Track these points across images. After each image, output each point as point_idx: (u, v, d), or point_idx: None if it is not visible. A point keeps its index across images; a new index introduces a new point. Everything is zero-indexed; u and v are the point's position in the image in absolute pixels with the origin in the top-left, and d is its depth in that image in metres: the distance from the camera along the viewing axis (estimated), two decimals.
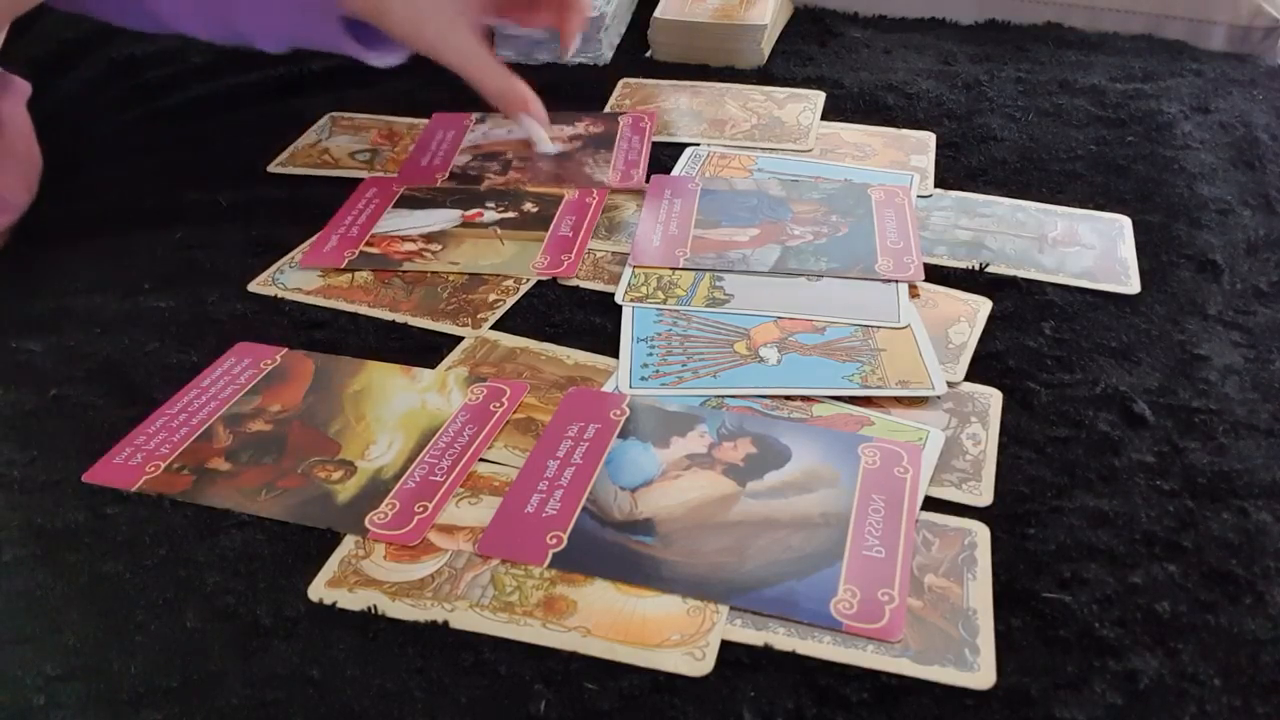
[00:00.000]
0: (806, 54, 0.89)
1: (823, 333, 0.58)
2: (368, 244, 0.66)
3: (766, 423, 0.52)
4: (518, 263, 0.64)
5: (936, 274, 0.63)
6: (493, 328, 0.59)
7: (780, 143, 0.76)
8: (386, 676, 0.41)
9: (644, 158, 0.74)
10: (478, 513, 0.48)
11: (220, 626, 0.43)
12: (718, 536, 0.46)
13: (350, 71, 0.63)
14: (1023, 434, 0.52)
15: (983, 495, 0.49)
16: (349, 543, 0.47)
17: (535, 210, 0.69)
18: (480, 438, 0.52)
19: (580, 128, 0.78)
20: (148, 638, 0.43)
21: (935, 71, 0.86)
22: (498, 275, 0.63)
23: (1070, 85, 0.83)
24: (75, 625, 0.43)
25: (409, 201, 0.70)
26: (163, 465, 0.51)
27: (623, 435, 0.51)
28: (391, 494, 0.49)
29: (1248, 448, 0.51)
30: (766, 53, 0.87)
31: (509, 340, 0.58)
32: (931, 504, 0.48)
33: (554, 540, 0.46)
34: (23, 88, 0.67)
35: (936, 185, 0.72)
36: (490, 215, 0.69)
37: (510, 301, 0.61)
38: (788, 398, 0.54)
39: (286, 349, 0.58)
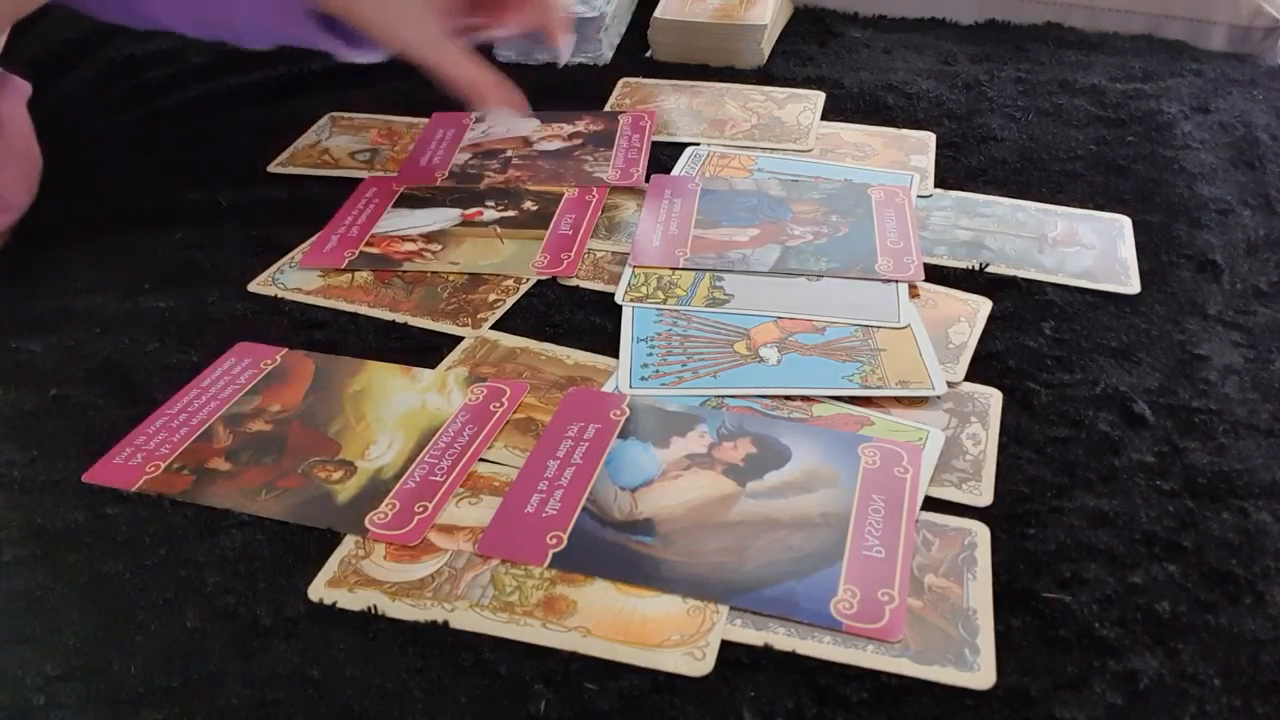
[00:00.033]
0: (806, 54, 0.89)
1: (823, 333, 0.58)
2: (368, 244, 0.66)
3: (766, 423, 0.52)
4: (517, 262, 0.64)
5: (936, 274, 0.63)
6: (493, 328, 0.59)
7: (780, 143, 0.76)
8: (386, 676, 0.41)
9: (644, 156, 0.74)
10: (478, 513, 0.48)
11: (220, 626, 0.43)
12: (718, 536, 0.46)
13: (350, 71, 0.63)
14: (1023, 434, 0.52)
15: (983, 495, 0.49)
16: (349, 543, 0.47)
17: (535, 208, 0.69)
18: (480, 438, 0.52)
19: (580, 126, 0.78)
20: (148, 638, 0.43)
21: (935, 71, 0.86)
22: (498, 275, 0.63)
23: (1070, 85, 0.83)
24: (75, 625, 0.43)
25: (409, 201, 0.70)
26: (163, 465, 0.51)
27: (623, 435, 0.51)
28: (391, 494, 0.49)
29: (1248, 448, 0.51)
30: (766, 53, 0.87)
31: (509, 340, 0.58)
32: (931, 504, 0.48)
33: (554, 540, 0.46)
34: (23, 88, 0.67)
35: (936, 185, 0.72)
36: (490, 214, 0.69)
37: (510, 301, 0.61)
38: (788, 398, 0.54)
39: (286, 349, 0.58)
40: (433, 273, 0.63)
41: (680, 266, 0.63)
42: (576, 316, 0.60)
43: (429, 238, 0.66)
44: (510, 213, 0.69)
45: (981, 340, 0.58)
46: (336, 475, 0.50)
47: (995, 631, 0.43)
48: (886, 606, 0.43)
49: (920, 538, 0.46)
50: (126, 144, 0.78)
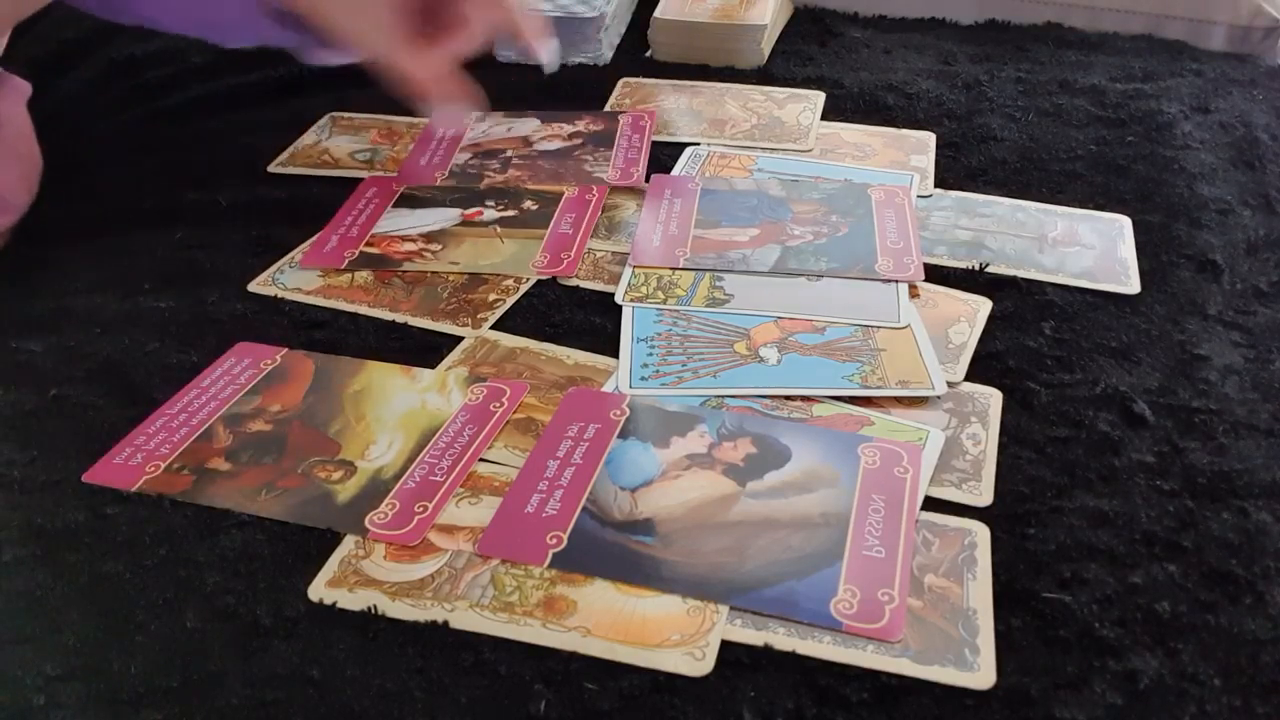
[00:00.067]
0: (806, 54, 0.89)
1: (823, 333, 0.58)
2: (368, 244, 0.66)
3: (766, 423, 0.52)
4: (517, 261, 0.64)
5: (936, 274, 0.63)
6: (493, 328, 0.59)
7: (780, 143, 0.76)
8: (386, 676, 0.41)
9: (644, 156, 0.74)
10: (478, 513, 0.48)
11: (220, 626, 0.43)
12: (718, 536, 0.46)
13: (350, 71, 0.63)
14: (1023, 434, 0.52)
15: (983, 495, 0.49)
16: (349, 543, 0.47)
17: (535, 208, 0.69)
18: (480, 438, 0.52)
19: (580, 126, 0.78)
20: (148, 638, 0.43)
21: (935, 71, 0.86)
22: (498, 275, 0.63)
23: (1070, 85, 0.83)
24: (75, 625, 0.43)
25: (409, 201, 0.70)
26: (163, 465, 0.51)
27: (623, 435, 0.51)
28: (391, 494, 0.49)
29: (1248, 448, 0.51)
30: (766, 53, 0.87)
31: (509, 340, 0.58)
32: (931, 504, 0.48)
33: (554, 540, 0.46)
34: (23, 88, 0.67)
35: (936, 185, 0.72)
36: (490, 213, 0.69)
37: (510, 301, 0.61)
38: (788, 398, 0.54)
39: (286, 349, 0.58)
40: (433, 273, 0.63)
41: (680, 266, 0.63)
42: (576, 316, 0.60)
43: (429, 238, 0.66)
44: (510, 212, 0.69)
45: (981, 340, 0.58)
46: (336, 475, 0.50)
47: (995, 631, 0.43)
48: (886, 606, 0.43)
49: (920, 538, 0.46)
50: (126, 144, 0.78)
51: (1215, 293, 0.62)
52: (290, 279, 0.63)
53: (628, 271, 0.63)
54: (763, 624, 0.43)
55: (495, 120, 0.79)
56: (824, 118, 0.79)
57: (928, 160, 0.74)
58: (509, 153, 0.75)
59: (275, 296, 0.62)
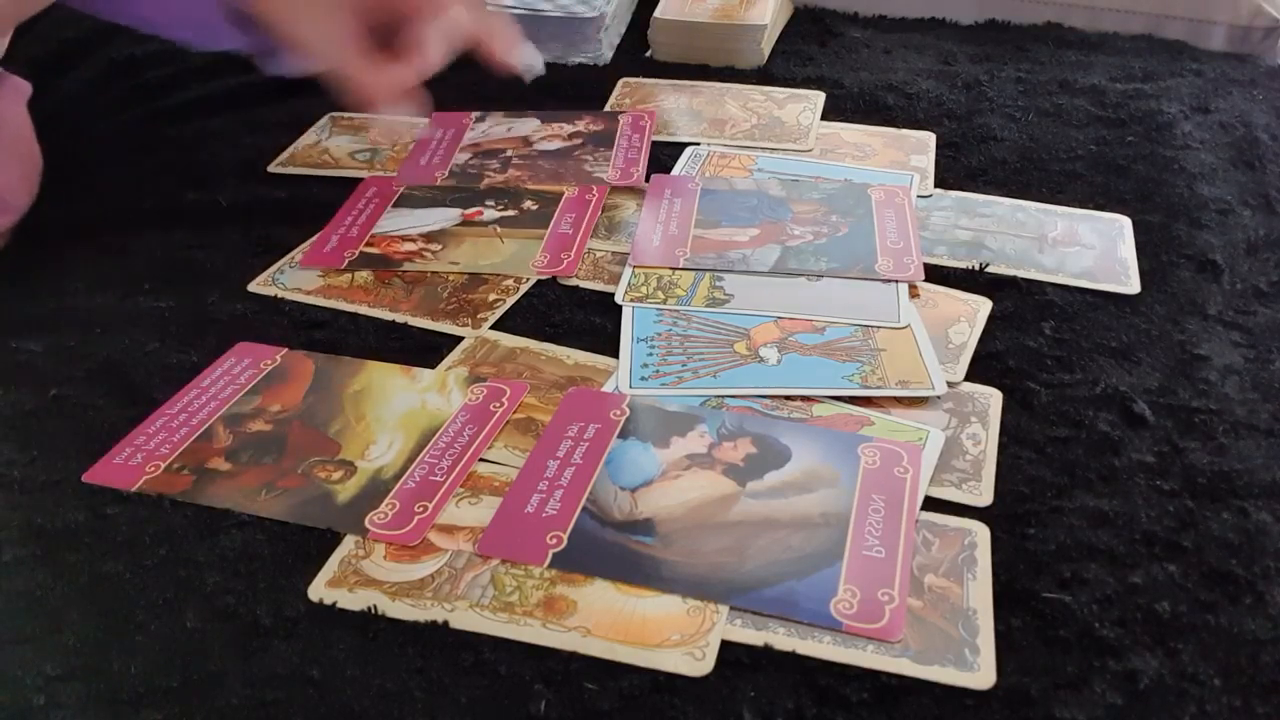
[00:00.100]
0: (806, 54, 0.89)
1: (823, 333, 0.58)
2: (368, 244, 0.66)
3: (766, 423, 0.52)
4: (517, 261, 0.64)
5: (936, 274, 0.63)
6: (493, 328, 0.59)
7: (780, 143, 0.76)
8: (386, 676, 0.41)
9: (644, 156, 0.74)
10: (478, 513, 0.48)
11: (220, 626, 0.43)
12: (718, 536, 0.46)
13: (310, 81, 0.63)
14: (1023, 434, 0.52)
15: (983, 495, 0.49)
16: (349, 543, 0.47)
17: (535, 208, 0.69)
18: (480, 438, 0.52)
19: (580, 125, 0.78)
20: (148, 638, 0.43)
21: (935, 71, 0.86)
22: (498, 275, 0.63)
23: (1070, 85, 0.83)
24: (75, 625, 0.43)
25: (409, 201, 0.70)
26: (163, 465, 0.51)
27: (623, 435, 0.51)
28: (391, 494, 0.49)
29: (1248, 448, 0.51)
30: (766, 53, 0.87)
31: (509, 340, 0.58)
32: (931, 504, 0.48)
33: (554, 540, 0.46)
34: (23, 88, 0.67)
35: (936, 185, 0.72)
36: (490, 213, 0.69)
37: (510, 301, 0.61)
38: (788, 398, 0.54)
39: (286, 349, 0.58)
40: (433, 273, 0.63)
41: (680, 266, 0.63)
42: (576, 316, 0.60)
43: (429, 238, 0.66)
44: (510, 212, 0.69)
45: (981, 340, 0.58)
46: (336, 475, 0.50)
47: (995, 631, 0.43)
48: (886, 606, 0.43)
49: (920, 538, 0.46)
50: (126, 144, 0.78)
51: (1215, 293, 0.62)
52: (290, 279, 0.63)
53: (628, 271, 0.63)
54: (763, 624, 0.43)
55: (495, 120, 0.79)
56: (824, 118, 0.79)
57: (928, 160, 0.74)
58: (509, 153, 0.75)
59: (275, 296, 0.62)
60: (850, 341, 0.57)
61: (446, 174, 0.73)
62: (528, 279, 0.63)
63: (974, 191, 0.71)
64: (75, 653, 0.42)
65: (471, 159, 0.75)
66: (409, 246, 0.66)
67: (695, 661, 0.41)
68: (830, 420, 0.53)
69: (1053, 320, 0.59)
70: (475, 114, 0.79)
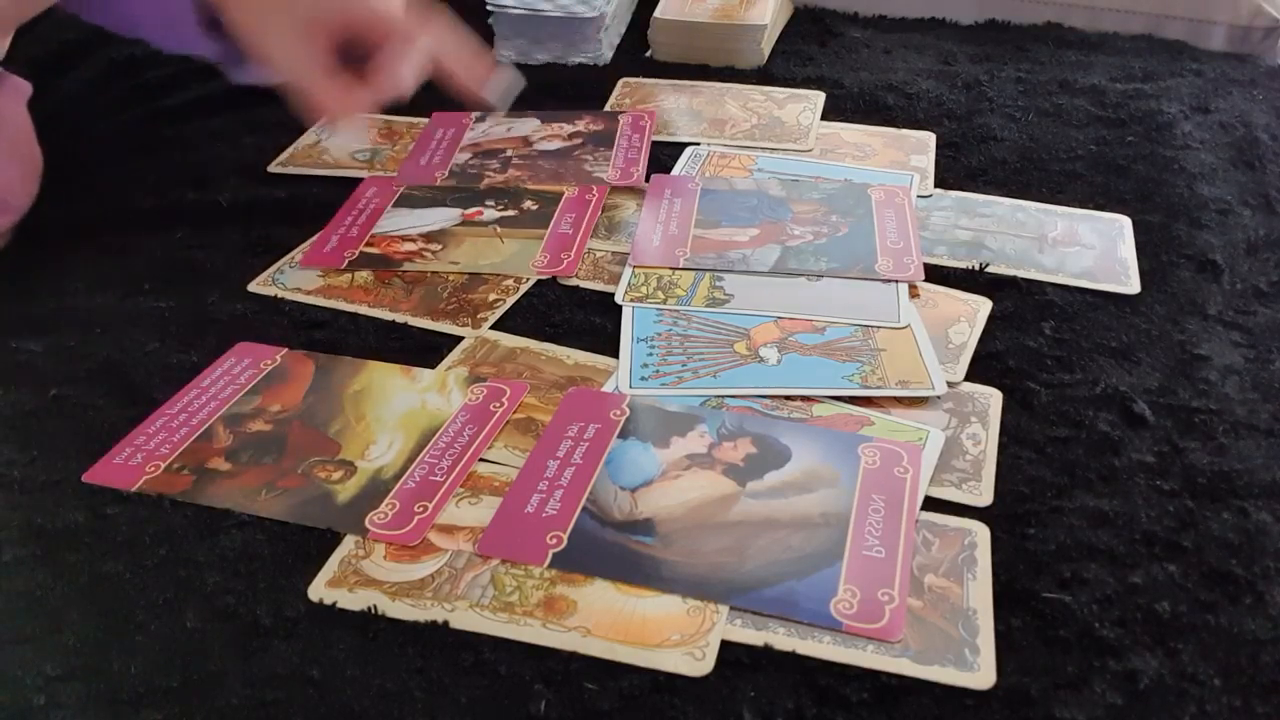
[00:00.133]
0: (806, 54, 0.89)
1: (823, 333, 0.58)
2: (368, 244, 0.66)
3: (766, 423, 0.52)
4: (518, 261, 0.64)
5: (936, 274, 0.63)
6: (493, 328, 0.59)
7: (780, 143, 0.76)
8: (386, 676, 0.41)
9: (644, 156, 0.74)
10: (478, 513, 0.48)
11: (220, 626, 0.43)
12: (718, 536, 0.46)
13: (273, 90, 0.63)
14: (1023, 434, 0.52)
15: (983, 495, 0.49)
16: (349, 543, 0.47)
17: (535, 208, 0.69)
18: (480, 438, 0.52)
19: (580, 125, 0.78)
20: (148, 638, 0.43)
21: (935, 71, 0.86)
22: (498, 275, 0.63)
23: (1070, 85, 0.83)
24: (75, 625, 0.43)
25: (409, 201, 0.70)
26: (163, 465, 0.51)
27: (623, 435, 0.51)
28: (391, 494, 0.49)
29: (1248, 448, 0.51)
30: (766, 53, 0.87)
31: (509, 340, 0.58)
32: (931, 504, 0.48)
33: (554, 540, 0.46)
34: (23, 88, 0.67)
35: (936, 185, 0.72)
36: (490, 213, 0.69)
37: (510, 301, 0.61)
38: (788, 398, 0.54)
39: (286, 349, 0.58)
40: (433, 273, 0.63)
41: (680, 266, 0.63)
42: (576, 316, 0.60)
43: (429, 238, 0.66)
44: (510, 212, 0.69)
45: (981, 340, 0.58)
46: (336, 475, 0.50)
47: (995, 631, 0.43)
48: (886, 606, 0.43)
49: (920, 538, 0.46)
50: (126, 144, 0.78)
51: (1215, 293, 0.62)
52: (290, 279, 0.63)
53: (628, 271, 0.63)
54: (763, 624, 0.43)
55: (495, 120, 0.79)
56: (824, 118, 0.79)
57: (928, 160, 0.74)
58: (509, 152, 0.75)
59: (275, 296, 0.62)
60: (850, 341, 0.57)
61: (446, 174, 0.73)
62: (528, 279, 0.63)
63: (974, 191, 0.71)
64: (75, 653, 0.42)
65: (471, 159, 0.75)
66: (409, 246, 0.66)
67: (695, 661, 0.41)
68: (830, 420, 0.53)
69: (1053, 320, 0.59)
70: (475, 114, 0.79)
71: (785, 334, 0.58)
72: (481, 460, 0.51)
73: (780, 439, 0.51)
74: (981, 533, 0.47)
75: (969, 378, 0.55)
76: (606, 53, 0.88)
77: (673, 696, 0.40)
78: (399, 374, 0.56)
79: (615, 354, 0.57)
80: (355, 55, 0.59)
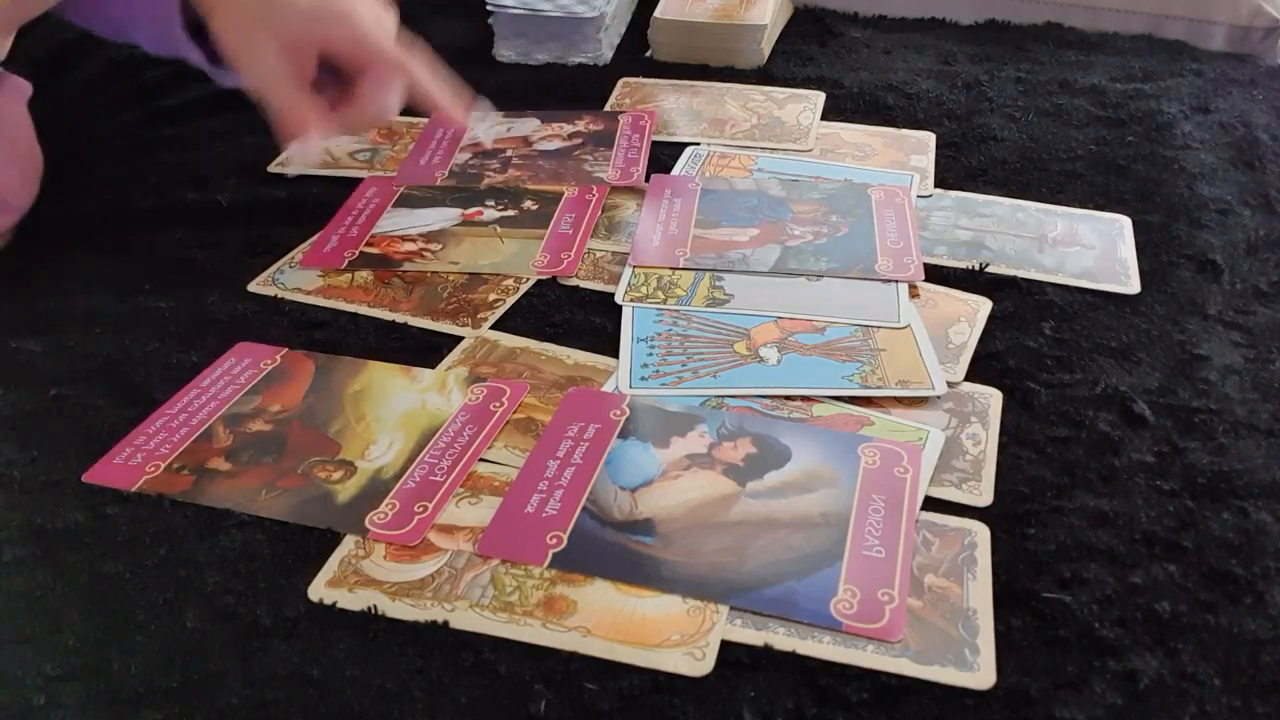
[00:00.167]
0: (806, 54, 0.89)
1: (823, 333, 0.58)
2: (368, 244, 0.66)
3: (766, 423, 0.52)
4: (518, 261, 0.64)
5: (936, 274, 0.63)
6: (493, 328, 0.59)
7: (780, 143, 0.76)
8: (386, 676, 0.41)
9: (644, 156, 0.74)
10: (478, 513, 0.48)
11: (220, 626, 0.43)
12: (718, 536, 0.46)
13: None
14: (1023, 434, 0.52)
15: (983, 495, 0.49)
16: (349, 543, 0.47)
17: (535, 208, 0.69)
18: (480, 438, 0.52)
19: (580, 125, 0.78)
20: (148, 638, 0.43)
21: (935, 71, 0.86)
22: (498, 275, 0.63)
23: (1070, 85, 0.83)
24: (75, 625, 0.43)
25: (409, 200, 0.70)
26: (163, 465, 0.51)
27: (623, 435, 0.51)
28: (391, 494, 0.49)
29: (1248, 448, 0.51)
30: (766, 53, 0.87)
31: (509, 340, 0.58)
32: (931, 504, 0.48)
33: (554, 540, 0.46)
34: (23, 87, 0.67)
35: (936, 185, 0.72)
36: (490, 213, 0.69)
37: (510, 301, 0.61)
38: (788, 398, 0.54)
39: (286, 349, 0.58)
40: (433, 273, 0.63)
41: (680, 266, 0.63)
42: (576, 316, 0.60)
43: (429, 237, 0.66)
44: (510, 212, 0.69)
45: (981, 340, 0.58)
46: (336, 475, 0.50)
47: (995, 631, 0.43)
48: (886, 606, 0.43)
49: (920, 538, 0.46)
50: (126, 144, 0.78)
51: (1215, 293, 0.62)
52: (290, 279, 0.63)
53: (628, 271, 0.63)
54: (763, 624, 0.43)
55: (495, 120, 0.79)
56: (824, 118, 0.79)
57: (928, 160, 0.74)
58: (509, 152, 0.75)
59: (275, 296, 0.62)
60: (850, 341, 0.57)
61: (446, 174, 0.73)
62: (528, 279, 0.63)
63: (974, 191, 0.71)
64: (75, 653, 0.42)
65: (471, 159, 0.75)
66: (409, 246, 0.66)
67: (695, 661, 0.41)
68: (830, 420, 0.53)
69: (1053, 320, 0.59)
70: (475, 114, 0.79)
71: (785, 334, 0.58)
72: (481, 460, 0.51)
73: (780, 439, 0.51)
74: (981, 533, 0.47)
75: (969, 378, 0.55)
76: (606, 53, 0.88)
77: (673, 696, 0.40)
78: (399, 374, 0.56)
79: (615, 354, 0.57)
80: (341, 77, 0.60)
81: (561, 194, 0.70)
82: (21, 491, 0.50)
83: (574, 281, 0.63)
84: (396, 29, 0.60)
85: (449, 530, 0.47)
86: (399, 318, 0.60)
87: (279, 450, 0.51)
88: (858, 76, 0.85)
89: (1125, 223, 0.68)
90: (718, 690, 0.41)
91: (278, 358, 0.57)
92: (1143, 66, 0.86)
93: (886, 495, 0.48)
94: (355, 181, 0.72)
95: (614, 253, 0.65)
